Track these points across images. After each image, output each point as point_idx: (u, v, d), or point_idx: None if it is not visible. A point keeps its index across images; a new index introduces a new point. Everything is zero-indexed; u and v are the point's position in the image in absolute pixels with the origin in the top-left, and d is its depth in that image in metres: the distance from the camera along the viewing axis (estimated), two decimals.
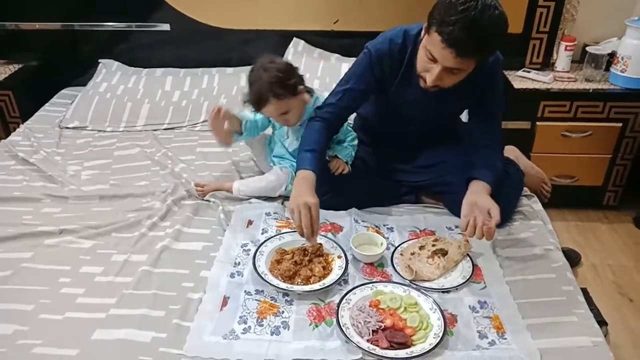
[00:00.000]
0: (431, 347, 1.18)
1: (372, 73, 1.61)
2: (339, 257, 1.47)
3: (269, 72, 1.59)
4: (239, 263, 1.47)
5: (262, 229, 1.62)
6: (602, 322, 1.78)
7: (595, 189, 2.47)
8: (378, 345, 1.19)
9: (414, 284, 1.40)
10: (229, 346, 1.21)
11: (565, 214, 2.51)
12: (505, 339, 1.24)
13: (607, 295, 2.06)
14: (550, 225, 1.68)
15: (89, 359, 1.17)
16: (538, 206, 1.77)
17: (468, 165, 1.62)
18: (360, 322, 1.25)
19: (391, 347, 1.19)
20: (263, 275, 1.38)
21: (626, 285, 2.10)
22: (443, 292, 1.39)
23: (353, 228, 1.61)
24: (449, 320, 1.28)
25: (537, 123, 2.33)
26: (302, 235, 1.42)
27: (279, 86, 1.59)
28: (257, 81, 1.60)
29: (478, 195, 1.51)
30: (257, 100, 1.62)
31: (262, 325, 1.27)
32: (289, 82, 1.61)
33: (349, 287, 1.37)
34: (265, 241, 1.52)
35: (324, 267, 1.43)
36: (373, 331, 1.23)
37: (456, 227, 1.64)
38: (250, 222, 1.65)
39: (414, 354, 1.16)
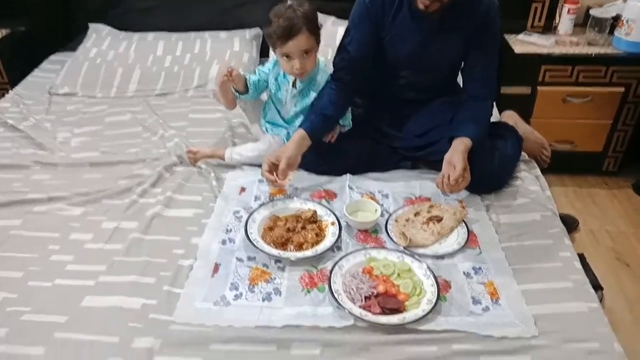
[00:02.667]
0: (424, 313, 1.17)
1: (368, 18, 1.60)
2: (333, 223, 1.45)
3: (304, 7, 1.57)
4: (230, 230, 1.45)
5: (255, 196, 1.59)
6: (597, 287, 1.77)
7: (595, 155, 2.43)
8: (370, 311, 1.18)
9: (408, 251, 1.38)
10: (220, 312, 1.19)
11: (564, 179, 2.48)
12: (500, 304, 1.22)
13: (604, 261, 2.05)
14: (548, 191, 1.65)
15: (78, 325, 1.16)
16: (537, 172, 1.74)
17: (453, 123, 1.61)
18: (352, 289, 1.23)
19: (383, 313, 1.18)
20: (255, 242, 1.36)
21: (624, 251, 2.09)
22: (437, 258, 1.37)
23: (347, 195, 1.59)
24: (442, 287, 1.26)
25: (538, 88, 2.27)
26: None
27: (312, 21, 1.58)
28: (290, 13, 1.55)
29: (454, 153, 1.52)
30: (288, 29, 1.54)
31: (254, 291, 1.25)
32: (317, 23, 1.61)
33: (342, 254, 1.35)
34: (257, 208, 1.50)
35: (317, 234, 1.41)
36: (365, 297, 1.22)
37: (452, 192, 1.61)
38: (242, 189, 1.62)
39: (406, 320, 1.15)
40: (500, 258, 1.36)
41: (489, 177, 1.60)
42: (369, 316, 1.16)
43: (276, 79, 1.72)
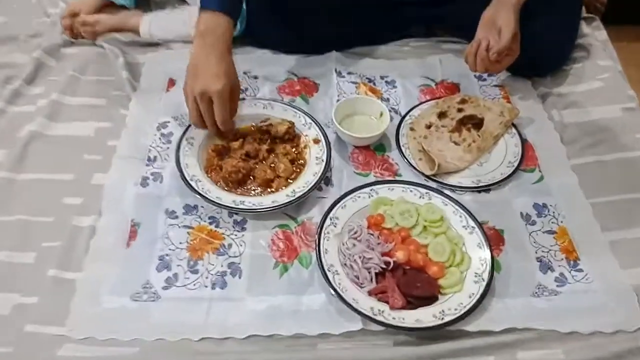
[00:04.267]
0: (472, 302, 0.72)
1: None
2: (316, 140, 0.93)
3: None
4: (155, 158, 0.92)
5: None
6: None
7: None
8: (388, 303, 0.73)
9: (435, 180, 0.90)
10: (144, 314, 0.73)
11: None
12: (581, 270, 0.79)
13: None
14: (619, 65, 1.15)
15: None
16: (602, 34, 1.21)
17: None
18: (356, 261, 0.77)
19: (409, 304, 0.73)
20: (195, 183, 0.85)
21: None
22: (479, 191, 0.89)
23: (334, 85, 1.05)
24: (492, 242, 0.81)
25: None
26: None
27: None
28: None
29: (499, 8, 0.95)
30: None
31: (197, 271, 0.78)
32: None
33: (334, 192, 0.87)
34: None
35: (292, 160, 0.90)
36: (376, 274, 0.76)
37: (490, 75, 1.09)
38: (172, 83, 1.06)
39: (446, 318, 0.71)
40: (572, 185, 0.90)
41: (542, 49, 1.05)
42: (387, 313, 0.72)
43: None
